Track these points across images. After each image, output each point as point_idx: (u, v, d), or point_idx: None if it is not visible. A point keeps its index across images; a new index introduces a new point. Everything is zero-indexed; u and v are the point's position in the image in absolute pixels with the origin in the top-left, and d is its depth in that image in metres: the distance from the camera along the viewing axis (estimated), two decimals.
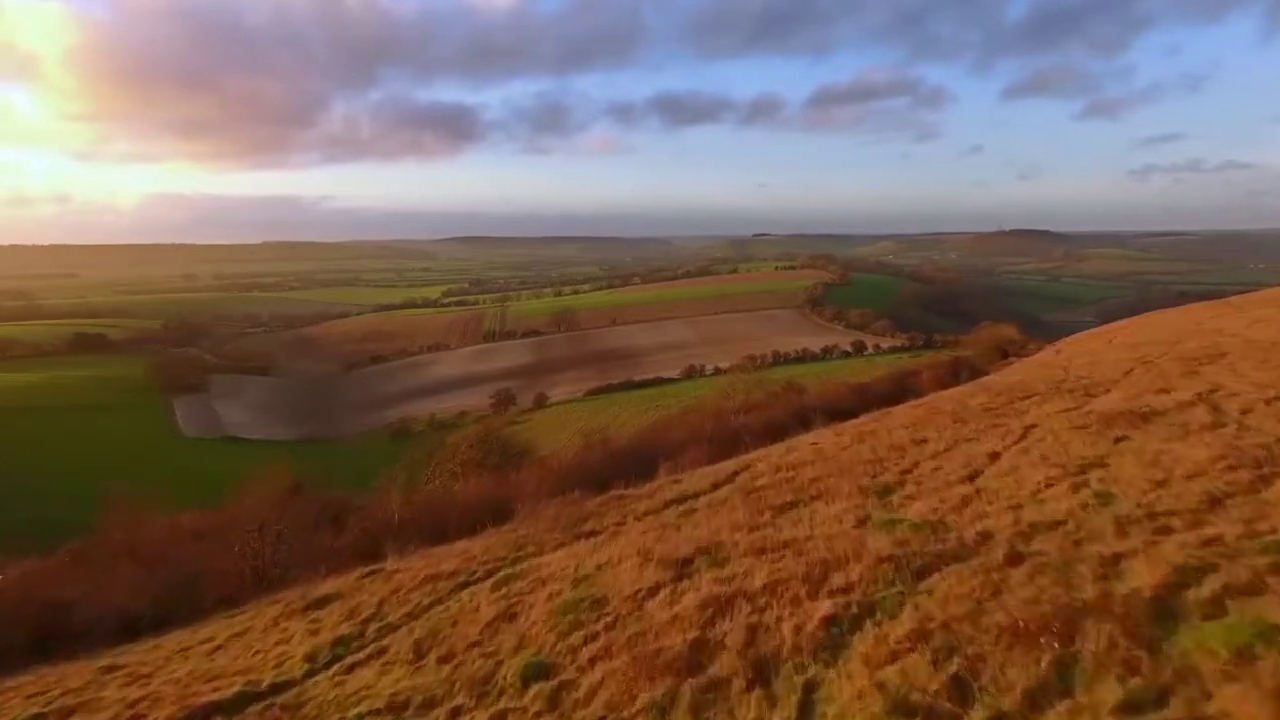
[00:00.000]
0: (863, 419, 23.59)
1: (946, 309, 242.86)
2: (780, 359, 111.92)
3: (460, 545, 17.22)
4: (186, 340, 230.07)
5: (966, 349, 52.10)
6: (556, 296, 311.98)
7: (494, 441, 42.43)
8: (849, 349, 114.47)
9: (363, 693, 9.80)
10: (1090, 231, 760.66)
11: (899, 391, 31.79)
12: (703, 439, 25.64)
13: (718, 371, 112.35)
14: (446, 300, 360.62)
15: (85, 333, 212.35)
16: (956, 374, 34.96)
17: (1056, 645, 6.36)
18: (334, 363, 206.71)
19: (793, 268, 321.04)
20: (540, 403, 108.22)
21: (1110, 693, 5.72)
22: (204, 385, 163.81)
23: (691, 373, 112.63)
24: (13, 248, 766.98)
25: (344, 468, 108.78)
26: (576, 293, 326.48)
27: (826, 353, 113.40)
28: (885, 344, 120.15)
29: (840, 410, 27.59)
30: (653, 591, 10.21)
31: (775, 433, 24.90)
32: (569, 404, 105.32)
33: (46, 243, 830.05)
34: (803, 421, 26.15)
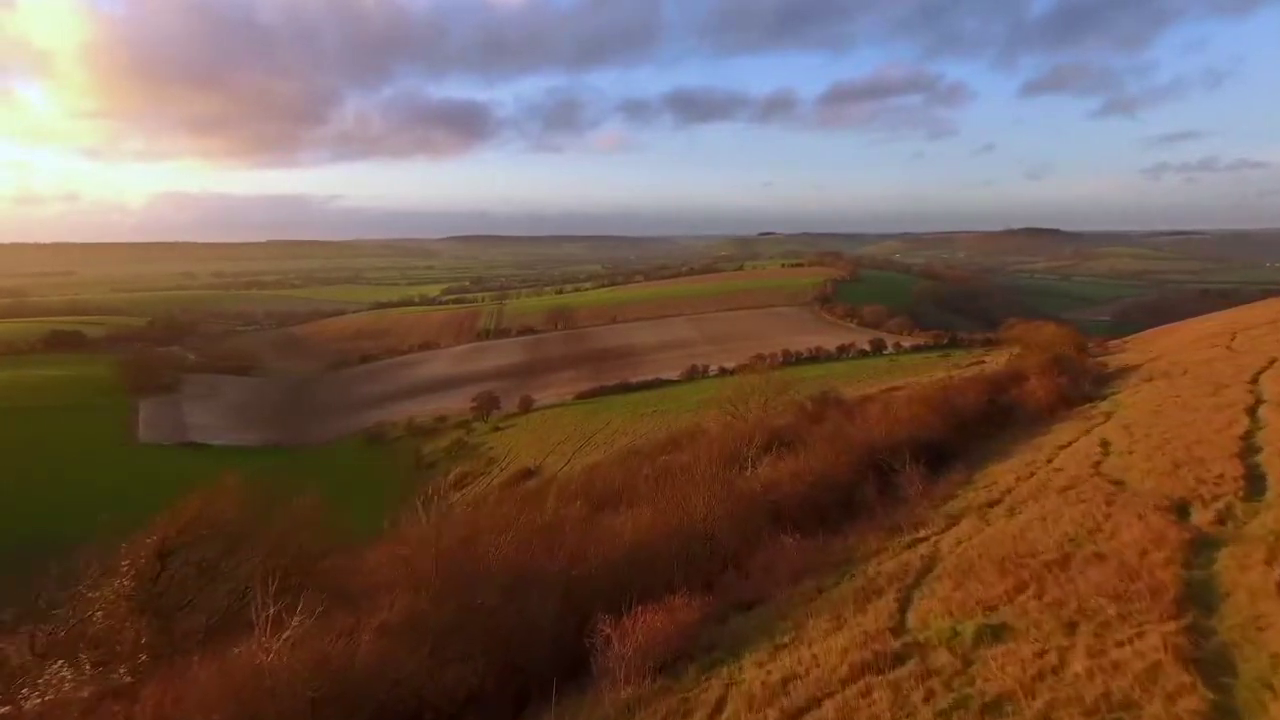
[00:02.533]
0: None
1: (962, 307, 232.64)
2: (791, 358, 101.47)
3: None
4: (170, 338, 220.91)
5: (1038, 348, 41.87)
6: (558, 295, 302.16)
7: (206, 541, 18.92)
8: (867, 348, 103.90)
9: None
10: (1099, 230, 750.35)
11: (997, 406, 21.43)
12: (692, 541, 14.09)
13: (722, 372, 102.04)
14: (445, 298, 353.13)
15: (61, 330, 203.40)
16: (1077, 382, 24.55)
17: None
18: (320, 362, 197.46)
19: (800, 265, 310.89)
20: (526, 406, 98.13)
21: None
22: (176, 386, 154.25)
23: (693, 373, 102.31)
24: (15, 246, 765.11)
25: (308, 477, 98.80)
26: (578, 290, 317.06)
27: (843, 351, 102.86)
28: (907, 342, 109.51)
29: (933, 448, 16.78)
30: None
31: (835, 514, 13.86)
32: (557, 408, 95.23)
33: (49, 241, 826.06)
34: (879, 476, 15.27)
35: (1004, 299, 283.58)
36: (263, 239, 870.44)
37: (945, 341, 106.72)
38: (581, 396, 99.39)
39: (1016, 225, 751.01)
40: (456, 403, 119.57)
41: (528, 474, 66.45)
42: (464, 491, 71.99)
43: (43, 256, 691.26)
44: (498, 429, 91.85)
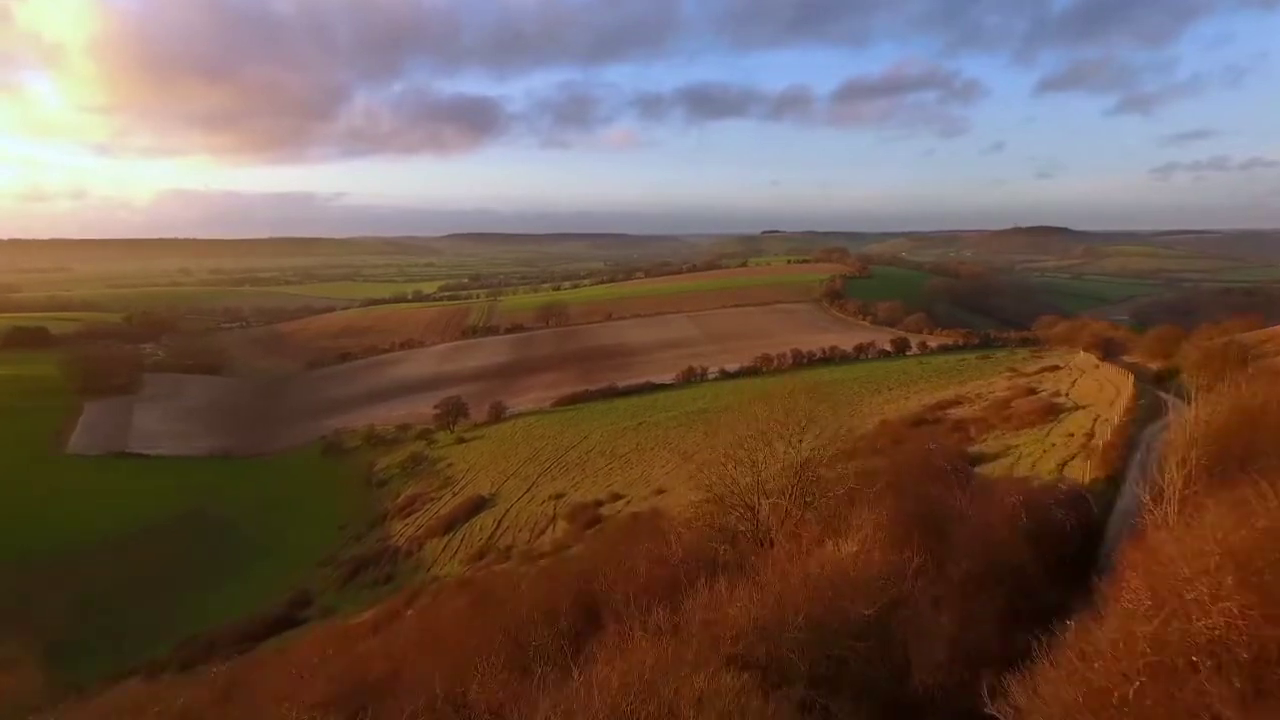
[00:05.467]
0: None
1: (977, 305, 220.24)
2: (803, 359, 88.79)
3: None
4: (145, 335, 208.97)
5: (1135, 352, 29.31)
6: (555, 292, 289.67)
7: None
8: (889, 348, 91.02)
9: None
10: (1108, 230, 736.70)
11: None
12: None
13: (723, 375, 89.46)
14: (440, 295, 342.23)
15: (24, 327, 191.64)
16: None
17: None
18: (296, 361, 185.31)
19: (806, 261, 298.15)
20: (497, 415, 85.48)
21: None
22: (135, 386, 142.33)
23: (690, 376, 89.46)
24: (14, 242, 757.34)
25: (246, 493, 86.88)
26: (576, 287, 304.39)
27: (860, 352, 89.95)
28: (933, 342, 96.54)
29: None
30: None
31: None
32: (532, 416, 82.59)
33: (50, 237, 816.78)
34: None
35: (1019, 297, 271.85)
36: (266, 236, 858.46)
37: (976, 341, 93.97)
38: (561, 402, 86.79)
39: (1024, 224, 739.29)
40: (429, 406, 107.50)
41: (479, 503, 54.04)
42: (409, 519, 59.61)
43: (42, 253, 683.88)
44: (462, 440, 79.45)
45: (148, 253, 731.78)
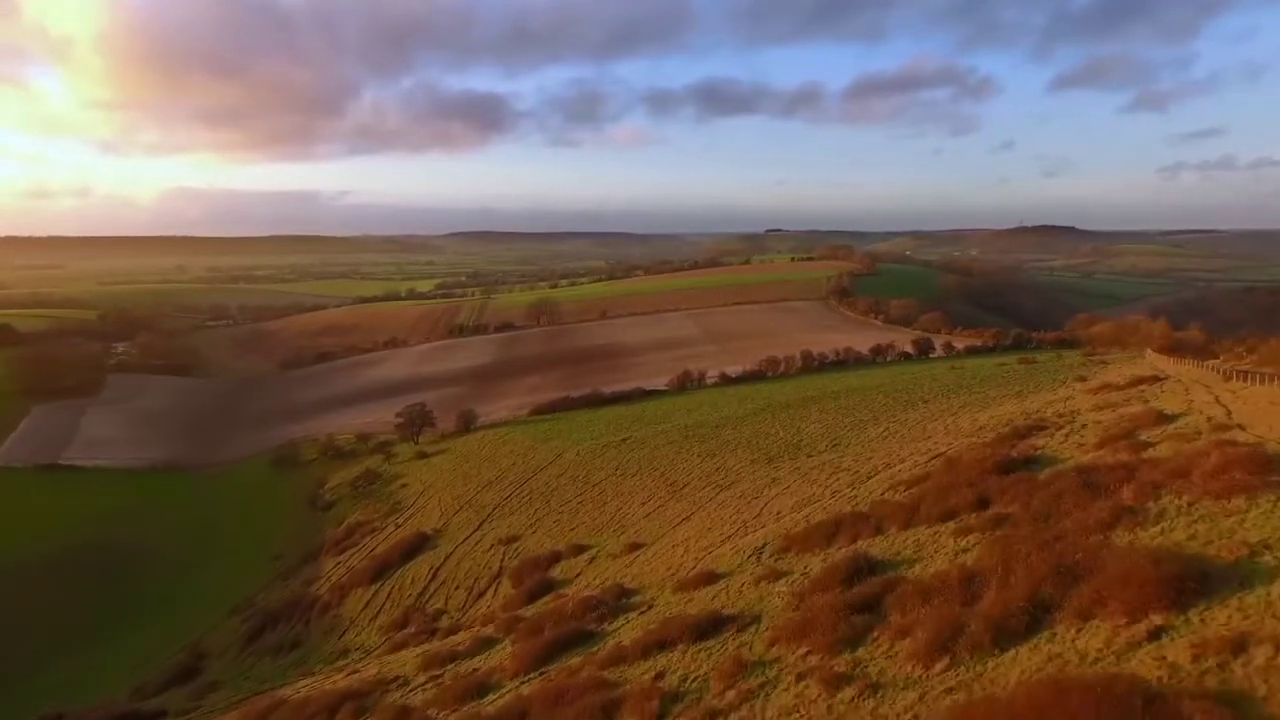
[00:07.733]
0: None
1: (994, 304, 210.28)
2: (813, 363, 78.37)
3: None
4: (119, 334, 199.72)
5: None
6: (552, 290, 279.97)
7: None
8: (910, 350, 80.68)
9: None
10: (1114, 229, 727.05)
11: None
12: None
13: (723, 379, 79.10)
14: (435, 293, 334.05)
15: None
16: None
17: None
18: (272, 361, 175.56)
19: (811, 258, 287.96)
20: (465, 426, 75.06)
21: None
22: (92, 388, 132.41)
23: (685, 381, 78.90)
24: (11, 239, 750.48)
25: (183, 513, 76.81)
26: (574, 284, 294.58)
27: (878, 354, 79.61)
28: (959, 343, 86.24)
29: None
30: None
31: None
32: (504, 427, 72.19)
33: (48, 235, 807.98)
34: None
35: (1037, 296, 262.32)
36: (269, 234, 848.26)
37: (1008, 342, 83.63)
38: (539, 411, 76.39)
39: (1029, 223, 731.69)
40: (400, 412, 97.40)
41: (421, 542, 43.83)
42: (343, 556, 49.37)
43: (41, 250, 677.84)
44: (424, 455, 69.29)
45: (149, 250, 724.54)
